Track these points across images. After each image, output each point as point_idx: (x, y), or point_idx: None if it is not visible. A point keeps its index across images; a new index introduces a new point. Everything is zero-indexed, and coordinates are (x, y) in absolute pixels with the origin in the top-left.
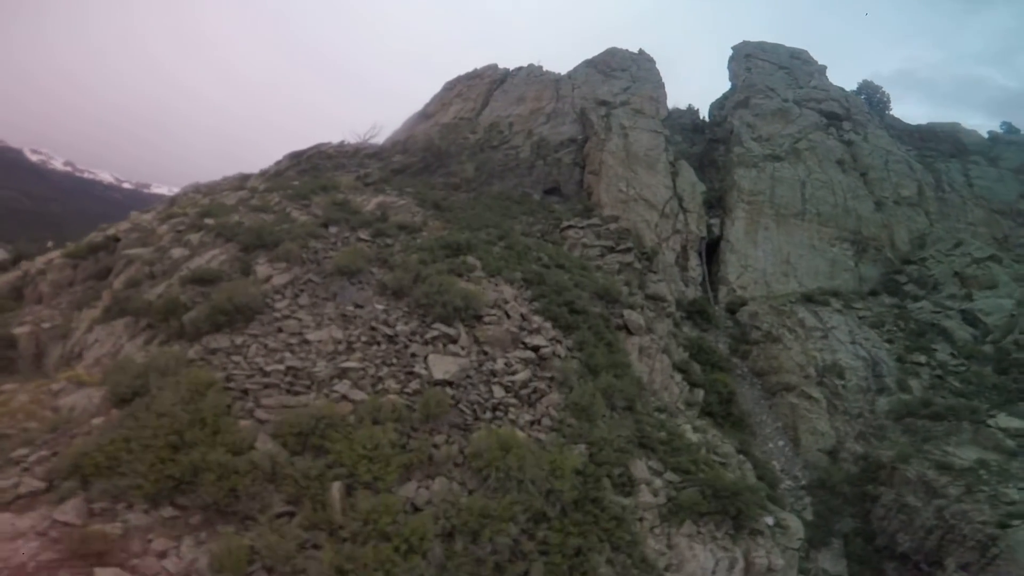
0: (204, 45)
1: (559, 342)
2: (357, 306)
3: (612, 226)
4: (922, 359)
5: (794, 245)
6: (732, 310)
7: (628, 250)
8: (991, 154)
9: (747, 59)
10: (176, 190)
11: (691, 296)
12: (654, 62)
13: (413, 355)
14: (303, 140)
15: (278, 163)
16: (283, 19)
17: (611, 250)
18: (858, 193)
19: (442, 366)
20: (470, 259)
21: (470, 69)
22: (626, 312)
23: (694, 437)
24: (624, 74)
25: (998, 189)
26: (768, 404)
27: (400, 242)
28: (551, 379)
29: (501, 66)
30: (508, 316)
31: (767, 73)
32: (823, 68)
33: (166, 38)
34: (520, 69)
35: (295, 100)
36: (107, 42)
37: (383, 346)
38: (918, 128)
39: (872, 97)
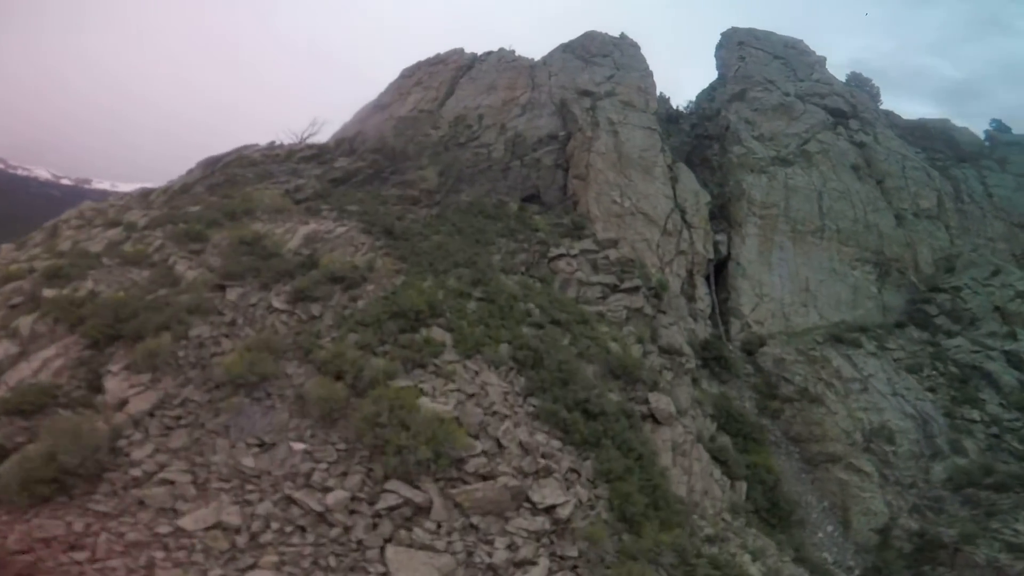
0: (157, 48)
1: (577, 474)
2: (262, 445)
3: (611, 254)
4: (974, 414)
5: (813, 268)
6: (749, 350)
7: (635, 289)
8: (994, 156)
9: (740, 47)
10: (120, 186)
11: (701, 334)
12: (638, 47)
13: (360, 545)
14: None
15: (189, 172)
16: (242, 22)
17: (614, 288)
18: (877, 205)
19: (410, 574)
20: (436, 331)
21: (432, 54)
22: (652, 397)
23: (755, 571)
24: (606, 60)
25: (1017, 200)
26: (811, 478)
27: (332, 309)
28: (578, 558)
29: (468, 51)
30: (500, 446)
31: (762, 63)
32: (822, 59)
33: (115, 40)
34: (489, 54)
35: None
36: (52, 41)
37: (309, 534)
38: (911, 124)
39: (861, 90)
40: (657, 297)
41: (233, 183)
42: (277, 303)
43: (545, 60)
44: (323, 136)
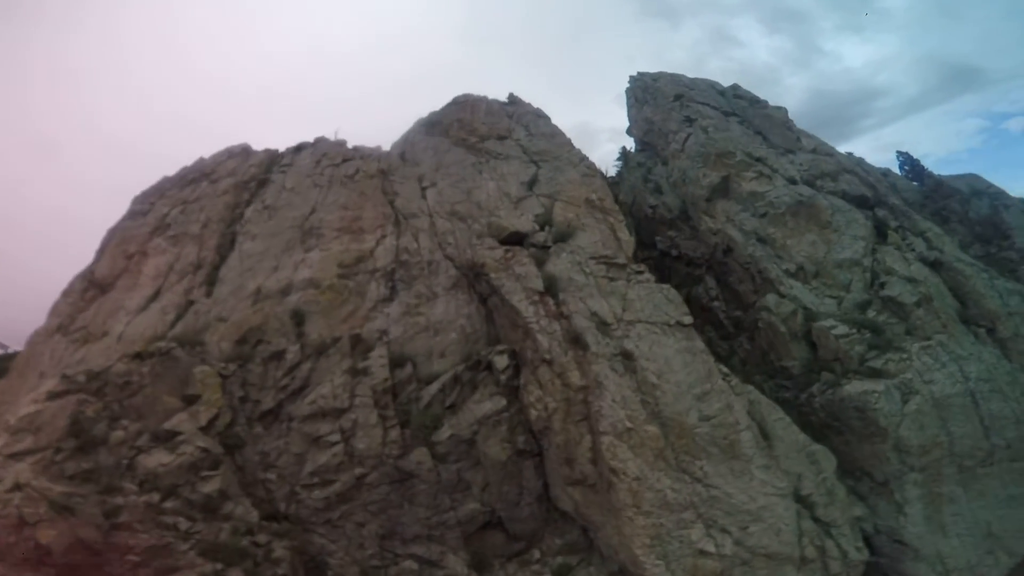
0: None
1: None
2: None
3: None
4: None
5: (990, 507)
6: None
7: None
8: (982, 216)
9: (680, 104)
10: None
11: None
12: (548, 117)
13: None
14: None
15: None
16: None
17: None
18: (1019, 380)
19: None
20: None
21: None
22: None
23: None
24: (508, 147)
25: None
26: None
27: None
28: None
29: (259, 147)
30: None
31: (721, 128)
32: (783, 111)
33: None
34: (301, 149)
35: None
36: None
37: None
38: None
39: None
40: None
41: None
42: None
43: (404, 153)
44: None
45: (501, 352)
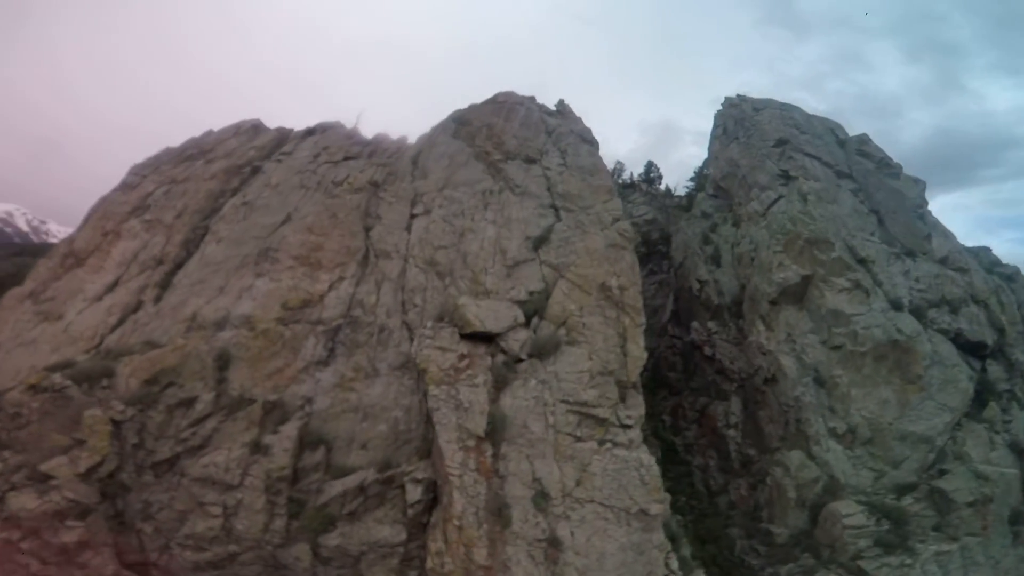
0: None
1: None
2: None
3: None
4: None
5: None
6: None
7: None
8: None
9: (781, 152)
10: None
11: None
12: (596, 145)
13: None
14: None
15: None
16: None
17: None
18: None
19: None
20: None
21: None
22: None
23: None
24: (530, 175)
25: None
26: None
27: None
28: None
29: (272, 122)
30: None
31: (826, 199)
32: (920, 188)
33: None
34: (310, 134)
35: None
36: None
37: None
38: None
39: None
40: None
41: None
42: None
43: (420, 154)
44: None
45: (418, 482)
